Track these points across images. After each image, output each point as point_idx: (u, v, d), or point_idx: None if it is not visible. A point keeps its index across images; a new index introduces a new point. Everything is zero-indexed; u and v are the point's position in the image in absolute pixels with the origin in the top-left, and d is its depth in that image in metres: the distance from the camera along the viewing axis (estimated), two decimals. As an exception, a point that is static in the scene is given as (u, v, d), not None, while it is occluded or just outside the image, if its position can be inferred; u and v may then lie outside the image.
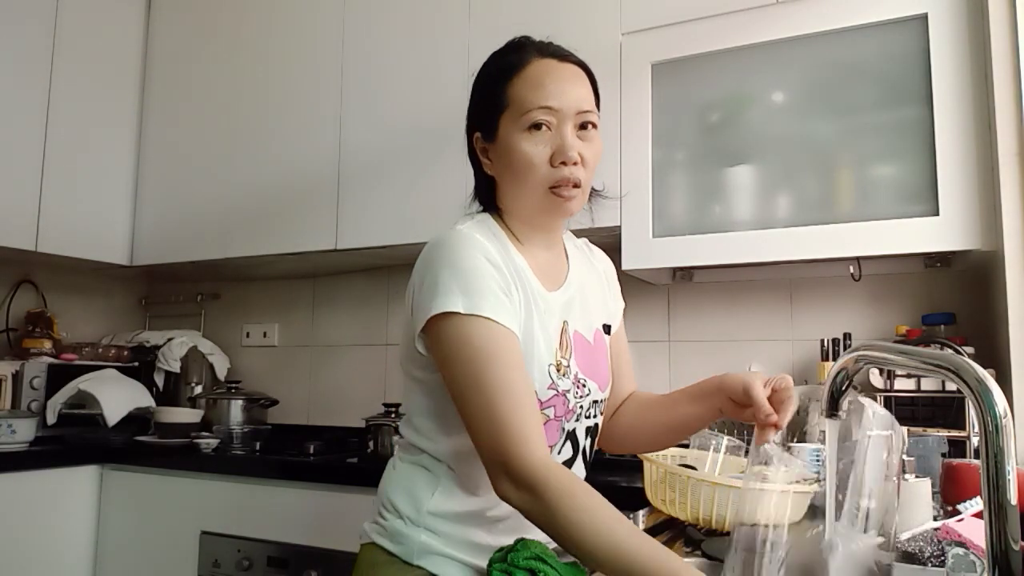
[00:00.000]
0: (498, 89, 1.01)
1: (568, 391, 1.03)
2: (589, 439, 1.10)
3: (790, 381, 1.00)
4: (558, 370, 1.02)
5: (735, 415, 1.04)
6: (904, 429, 1.10)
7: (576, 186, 1.00)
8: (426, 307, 0.94)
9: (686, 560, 1.09)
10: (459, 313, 0.92)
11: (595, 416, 1.10)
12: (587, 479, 1.10)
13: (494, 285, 0.95)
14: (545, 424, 1.00)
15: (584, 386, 1.06)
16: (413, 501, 1.02)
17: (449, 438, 1.01)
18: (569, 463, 1.06)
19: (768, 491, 0.94)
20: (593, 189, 1.09)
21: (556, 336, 1.03)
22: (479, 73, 1.08)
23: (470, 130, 1.08)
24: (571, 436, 1.06)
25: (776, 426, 0.96)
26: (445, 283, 0.94)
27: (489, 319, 0.92)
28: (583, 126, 1.01)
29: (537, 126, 0.98)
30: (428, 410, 1.03)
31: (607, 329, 1.16)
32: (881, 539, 0.97)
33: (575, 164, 0.99)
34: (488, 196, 1.09)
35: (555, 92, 0.98)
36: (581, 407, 1.05)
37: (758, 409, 0.98)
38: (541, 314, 1.02)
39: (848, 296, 1.99)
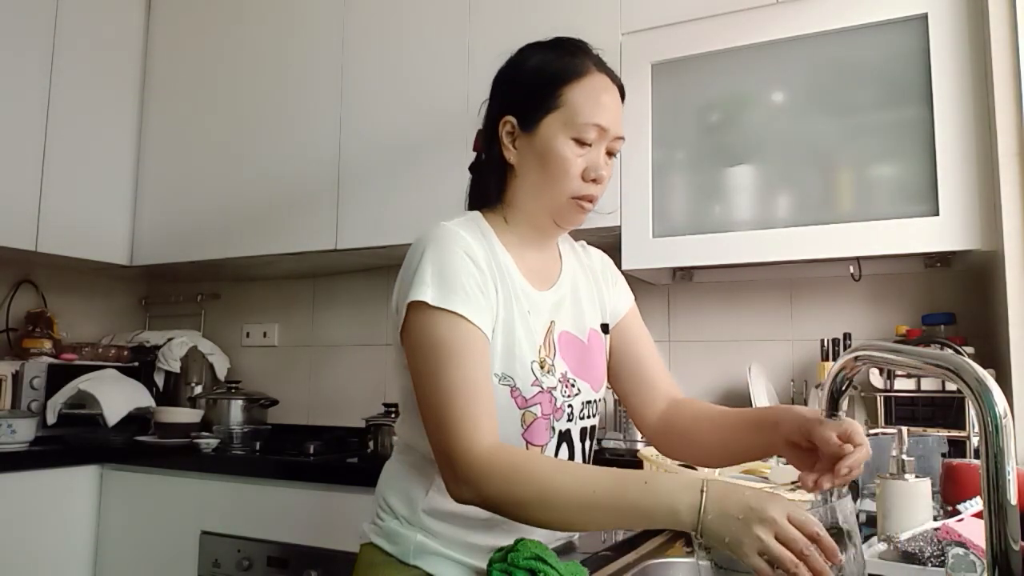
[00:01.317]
0: (554, 88, 1.01)
1: (554, 388, 1.03)
2: (588, 442, 1.09)
3: (857, 429, 0.88)
4: (542, 367, 1.02)
5: (791, 459, 0.96)
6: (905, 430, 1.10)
7: (594, 201, 1.03)
8: (404, 296, 0.96)
9: (686, 561, 1.09)
10: (428, 304, 0.93)
11: (590, 417, 1.09)
12: None
13: (469, 281, 0.95)
14: (532, 424, 1.00)
15: (573, 385, 1.05)
16: (408, 501, 1.02)
17: None
18: None
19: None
20: None
21: (541, 335, 1.03)
22: (527, 62, 1.06)
23: (499, 113, 1.06)
24: (565, 438, 1.05)
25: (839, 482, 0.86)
26: (421, 274, 0.95)
27: (457, 314, 0.93)
28: (611, 151, 1.04)
29: (585, 140, 1.00)
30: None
31: (605, 328, 1.15)
32: (884, 546, 0.97)
33: (600, 184, 1.03)
34: (497, 183, 1.07)
35: (608, 112, 1.01)
36: (571, 407, 1.05)
37: (828, 458, 0.87)
38: (524, 313, 1.02)
39: (848, 296, 1.99)
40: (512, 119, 1.04)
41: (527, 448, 1.00)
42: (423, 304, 0.93)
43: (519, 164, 1.04)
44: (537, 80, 1.03)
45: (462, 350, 0.92)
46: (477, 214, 1.07)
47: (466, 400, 0.90)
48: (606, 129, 1.01)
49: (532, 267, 1.06)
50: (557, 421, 1.04)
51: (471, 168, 1.12)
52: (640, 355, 1.18)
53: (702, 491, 0.78)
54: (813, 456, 0.91)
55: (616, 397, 1.92)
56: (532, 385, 1.00)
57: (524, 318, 1.01)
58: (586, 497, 0.83)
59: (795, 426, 0.93)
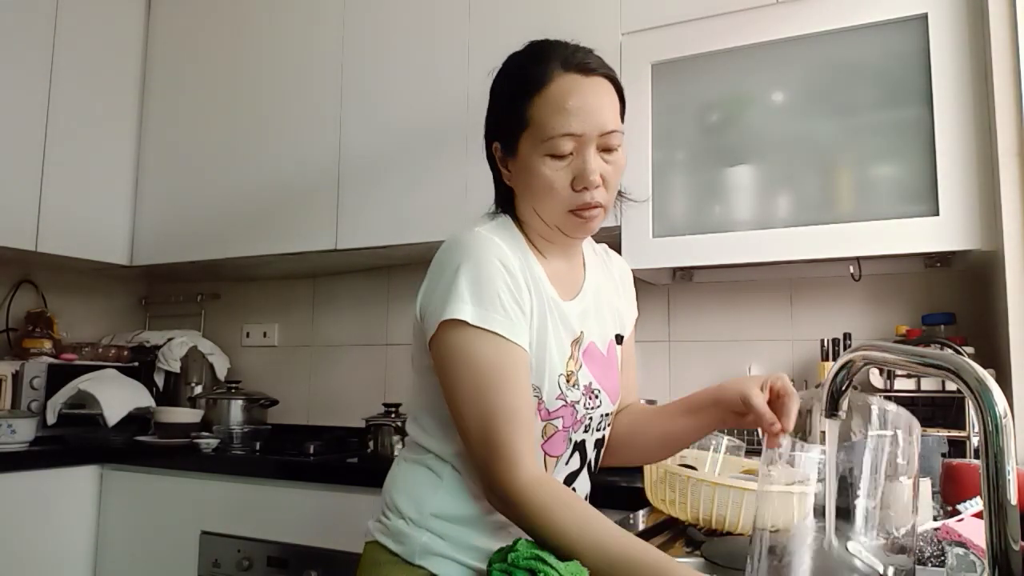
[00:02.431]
0: (519, 106, 0.97)
1: (578, 402, 1.02)
2: (596, 451, 1.09)
3: (787, 381, 0.98)
4: (568, 380, 1.01)
5: (737, 424, 1.02)
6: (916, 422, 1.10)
7: (597, 207, 0.98)
8: (438, 310, 0.93)
9: (684, 561, 1.09)
10: (468, 324, 0.91)
11: (604, 428, 1.09)
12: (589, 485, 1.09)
13: (507, 296, 0.93)
14: (552, 436, 1.00)
15: (596, 397, 1.04)
16: (416, 502, 1.01)
17: (456, 439, 1.00)
18: (575, 475, 1.06)
19: (778, 493, 0.93)
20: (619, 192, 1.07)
21: (568, 347, 1.02)
22: (499, 79, 1.04)
23: (488, 138, 1.05)
24: (579, 448, 1.05)
25: (783, 431, 0.94)
26: (458, 288, 0.92)
27: (497, 335, 0.91)
28: (606, 147, 0.97)
29: (560, 153, 0.95)
30: (437, 410, 1.02)
31: (619, 339, 1.14)
32: (883, 540, 0.97)
33: (597, 188, 0.96)
34: (507, 203, 1.06)
35: (577, 116, 0.94)
36: (591, 419, 1.04)
37: (761, 418, 0.95)
38: (556, 324, 1.00)
39: (848, 296, 1.99)
40: (498, 144, 1.03)
41: (544, 459, 1.00)
42: (462, 323, 0.91)
43: (515, 186, 1.03)
44: (505, 102, 1.01)
45: (505, 372, 0.91)
46: (508, 219, 1.05)
47: (510, 425, 0.90)
48: (580, 134, 0.94)
49: (558, 276, 1.05)
50: (575, 432, 1.03)
51: None
52: (623, 376, 1.18)
53: None
54: (748, 417, 0.98)
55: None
56: (557, 399, 0.99)
57: (556, 330, 1.00)
58: (602, 569, 0.85)
59: (733, 395, 1.00)
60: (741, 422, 1.01)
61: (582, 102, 0.95)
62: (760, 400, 0.96)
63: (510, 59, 1.04)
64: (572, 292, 1.06)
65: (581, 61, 0.98)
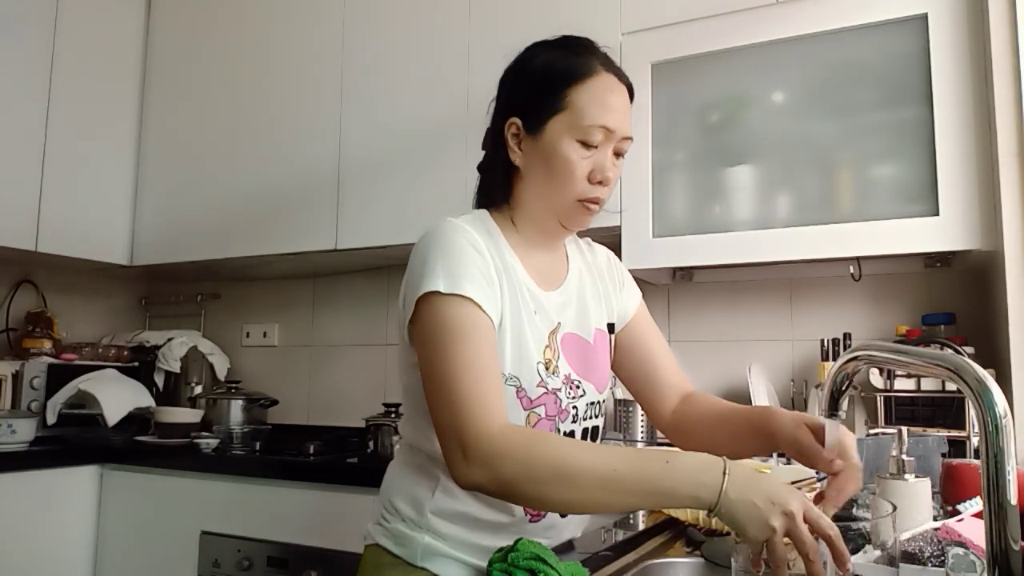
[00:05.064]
0: (559, 89, 1.00)
1: (559, 390, 1.03)
2: (591, 442, 1.09)
3: (850, 445, 0.92)
4: (547, 368, 1.02)
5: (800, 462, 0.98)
6: (904, 429, 1.10)
7: (600, 203, 1.02)
8: (414, 290, 0.95)
9: (686, 561, 1.09)
10: (440, 292, 0.93)
11: (594, 418, 1.09)
12: None
13: (475, 270, 0.95)
14: (536, 424, 1.00)
15: (578, 387, 1.05)
16: (415, 503, 1.01)
17: None
18: None
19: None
20: None
21: (546, 336, 1.03)
22: (533, 61, 1.05)
23: (505, 113, 1.05)
24: (569, 438, 1.05)
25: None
26: (430, 266, 0.94)
27: (468, 298, 0.93)
28: (619, 152, 1.03)
29: (591, 142, 0.99)
30: (427, 409, 1.03)
31: (611, 328, 1.15)
32: (879, 552, 0.97)
33: (607, 185, 1.01)
34: (503, 184, 1.07)
35: (614, 113, 1.00)
36: (576, 408, 1.05)
37: (821, 465, 0.92)
38: (530, 312, 1.02)
39: (848, 296, 1.99)
40: (517, 121, 1.03)
41: None
42: (434, 294, 0.93)
43: (524, 166, 1.04)
44: (542, 81, 1.02)
45: (472, 331, 0.92)
46: (484, 213, 1.07)
47: (477, 378, 0.89)
48: (612, 130, 1.00)
49: (539, 268, 1.06)
50: (562, 423, 1.04)
51: (479, 167, 1.12)
52: (650, 353, 1.19)
53: (724, 473, 0.79)
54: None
55: (616, 397, 1.93)
56: (538, 386, 1.00)
57: (531, 318, 1.01)
58: (607, 474, 0.82)
59: (789, 440, 0.97)
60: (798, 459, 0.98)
61: (619, 103, 1.02)
62: (815, 448, 0.93)
63: (547, 44, 1.06)
64: (553, 283, 1.08)
65: (617, 68, 1.05)
